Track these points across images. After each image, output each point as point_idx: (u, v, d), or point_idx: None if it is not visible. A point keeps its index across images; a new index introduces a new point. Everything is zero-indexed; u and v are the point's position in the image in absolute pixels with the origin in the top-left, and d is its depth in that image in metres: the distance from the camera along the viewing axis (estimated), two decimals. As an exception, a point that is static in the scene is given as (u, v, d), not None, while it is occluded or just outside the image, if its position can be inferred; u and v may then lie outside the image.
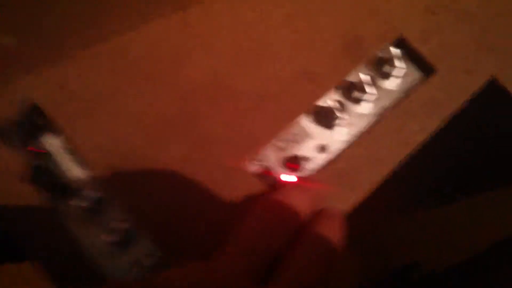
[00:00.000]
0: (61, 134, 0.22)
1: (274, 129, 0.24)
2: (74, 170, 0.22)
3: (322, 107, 0.24)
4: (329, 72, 0.25)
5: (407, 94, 0.25)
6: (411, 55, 0.26)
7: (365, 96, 0.25)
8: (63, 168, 0.22)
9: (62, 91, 0.23)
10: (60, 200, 0.21)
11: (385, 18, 0.26)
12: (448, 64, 0.26)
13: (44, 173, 0.21)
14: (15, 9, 0.20)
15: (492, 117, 0.31)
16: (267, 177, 0.23)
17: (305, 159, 0.24)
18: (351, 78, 0.25)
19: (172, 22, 0.25)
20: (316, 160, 0.24)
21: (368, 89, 0.24)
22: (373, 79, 0.26)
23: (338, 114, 0.24)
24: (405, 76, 0.26)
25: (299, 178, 0.23)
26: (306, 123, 0.24)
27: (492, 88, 0.26)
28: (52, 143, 0.22)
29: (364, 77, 0.25)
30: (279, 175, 0.23)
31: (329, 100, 0.25)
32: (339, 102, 0.25)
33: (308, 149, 0.24)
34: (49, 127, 0.22)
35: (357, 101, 0.25)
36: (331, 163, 0.24)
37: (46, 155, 0.22)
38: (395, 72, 0.25)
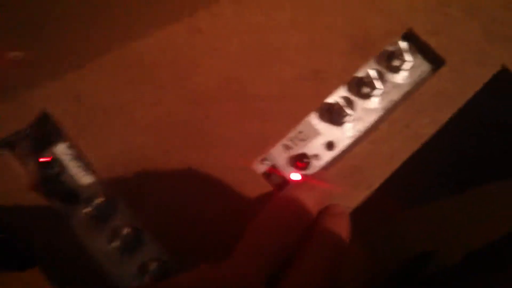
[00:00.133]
0: (71, 143, 0.22)
1: (284, 129, 0.23)
2: (84, 178, 0.22)
3: (330, 104, 0.24)
4: (338, 70, 0.25)
5: (416, 87, 0.25)
6: (421, 48, 0.26)
7: (374, 91, 0.24)
8: (73, 176, 0.22)
9: (75, 100, 0.23)
10: (70, 208, 0.21)
11: (394, 13, 0.26)
12: (458, 56, 0.25)
13: (54, 182, 0.21)
14: (25, 19, 0.20)
15: (504, 106, 0.31)
16: (276, 177, 0.23)
17: (314, 156, 0.23)
18: (360, 73, 0.25)
19: (182, 28, 0.25)
20: (324, 157, 0.24)
21: (377, 84, 0.24)
22: (382, 73, 0.25)
23: (346, 110, 0.24)
24: (414, 69, 0.25)
25: (308, 176, 0.23)
26: (314, 120, 0.24)
27: (503, 77, 0.26)
28: (62, 151, 0.22)
29: (372, 72, 0.24)
30: (288, 174, 0.23)
31: (337, 96, 0.25)
32: (347, 98, 0.25)
33: (316, 147, 0.24)
34: (60, 136, 0.22)
35: (366, 96, 0.25)
36: (340, 160, 0.23)
37: (56, 163, 0.22)
38: (404, 65, 0.25)
